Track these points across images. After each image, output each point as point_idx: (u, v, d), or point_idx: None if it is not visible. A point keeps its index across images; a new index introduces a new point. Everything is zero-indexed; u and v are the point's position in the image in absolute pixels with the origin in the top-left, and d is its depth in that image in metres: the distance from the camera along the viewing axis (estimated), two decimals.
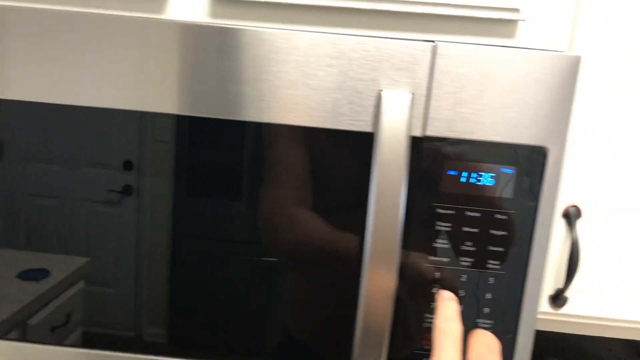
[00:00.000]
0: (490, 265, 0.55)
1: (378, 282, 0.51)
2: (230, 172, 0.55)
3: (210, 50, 0.52)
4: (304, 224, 0.55)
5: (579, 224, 0.64)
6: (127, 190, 0.55)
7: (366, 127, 0.53)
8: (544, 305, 0.66)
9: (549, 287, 0.66)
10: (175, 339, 0.59)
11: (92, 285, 0.58)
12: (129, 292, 0.57)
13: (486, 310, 0.56)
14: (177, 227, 0.56)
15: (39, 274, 0.58)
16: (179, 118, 0.54)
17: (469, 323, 0.56)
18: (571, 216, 0.63)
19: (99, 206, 0.56)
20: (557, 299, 0.64)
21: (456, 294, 0.54)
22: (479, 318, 0.56)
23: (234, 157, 0.55)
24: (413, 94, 0.51)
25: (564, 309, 0.65)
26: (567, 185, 0.63)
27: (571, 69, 0.51)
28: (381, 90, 0.51)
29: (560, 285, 0.64)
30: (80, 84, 0.54)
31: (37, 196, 0.57)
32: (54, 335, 0.59)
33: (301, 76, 0.52)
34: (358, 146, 0.53)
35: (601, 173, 0.63)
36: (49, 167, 0.56)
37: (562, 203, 0.64)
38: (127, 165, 0.54)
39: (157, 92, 0.53)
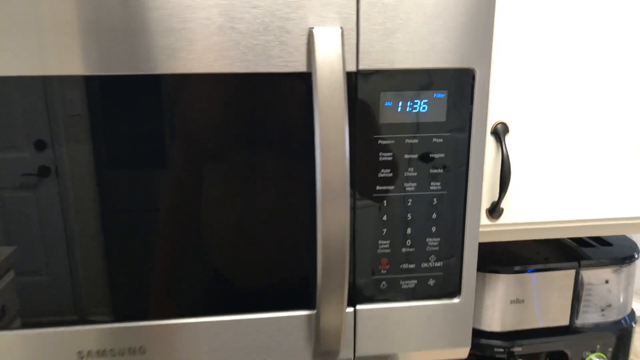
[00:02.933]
0: (432, 187, 0.59)
1: (333, 220, 0.52)
2: (152, 137, 0.52)
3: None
4: None
5: (508, 140, 0.68)
6: (43, 171, 0.51)
7: (300, 67, 0.52)
8: (483, 219, 0.71)
9: (485, 201, 0.71)
10: (120, 315, 0.57)
11: (22, 276, 0.55)
12: (64, 277, 0.55)
13: (433, 229, 0.60)
14: (104, 203, 0.54)
15: None
16: (87, 85, 0.50)
17: (419, 243, 0.60)
18: (500, 133, 0.67)
19: (14, 192, 0.52)
20: (494, 211, 0.69)
21: None
22: (427, 237, 0.60)
23: (153, 120, 0.52)
24: (342, 28, 0.51)
25: (501, 220, 0.71)
26: (493, 103, 0.67)
27: None
28: (312, 28, 0.51)
29: (495, 198, 0.69)
30: None
31: None
32: None
33: (227, 21, 0.50)
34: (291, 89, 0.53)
35: (524, 89, 0.67)
36: None
37: (490, 121, 0.68)
38: (40, 145, 0.50)
39: (58, 52, 0.48)
